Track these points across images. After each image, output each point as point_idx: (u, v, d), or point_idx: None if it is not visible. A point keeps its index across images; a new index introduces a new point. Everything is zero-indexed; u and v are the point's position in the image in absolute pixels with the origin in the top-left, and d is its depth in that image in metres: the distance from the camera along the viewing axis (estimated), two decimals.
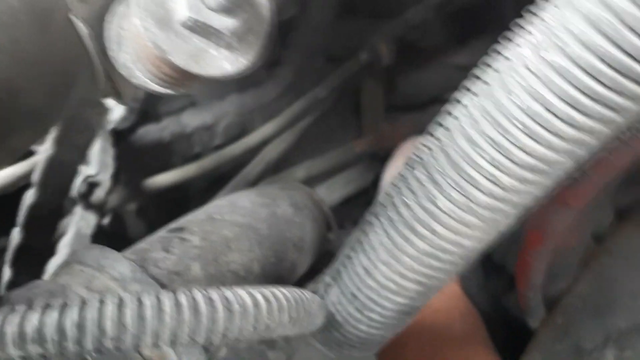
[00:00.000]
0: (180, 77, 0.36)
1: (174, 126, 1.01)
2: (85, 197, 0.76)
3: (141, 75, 0.38)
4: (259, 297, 0.35)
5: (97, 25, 0.39)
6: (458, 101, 0.39)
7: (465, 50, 1.21)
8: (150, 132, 0.99)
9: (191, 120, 1.02)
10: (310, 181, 1.15)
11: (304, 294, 0.40)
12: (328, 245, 0.67)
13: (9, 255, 0.67)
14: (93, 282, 0.39)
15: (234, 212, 0.51)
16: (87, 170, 0.76)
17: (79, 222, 0.77)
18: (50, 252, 0.69)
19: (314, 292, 0.55)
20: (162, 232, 0.48)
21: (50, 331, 0.31)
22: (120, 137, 0.93)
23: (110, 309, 0.31)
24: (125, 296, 0.32)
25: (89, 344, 0.31)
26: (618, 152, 0.55)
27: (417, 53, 1.13)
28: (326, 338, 0.53)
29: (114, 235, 0.92)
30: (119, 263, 0.40)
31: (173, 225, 0.49)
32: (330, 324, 0.51)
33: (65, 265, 0.42)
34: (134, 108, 0.84)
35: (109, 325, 0.31)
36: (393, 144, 1.14)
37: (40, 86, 0.39)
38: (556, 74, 0.34)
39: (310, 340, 0.54)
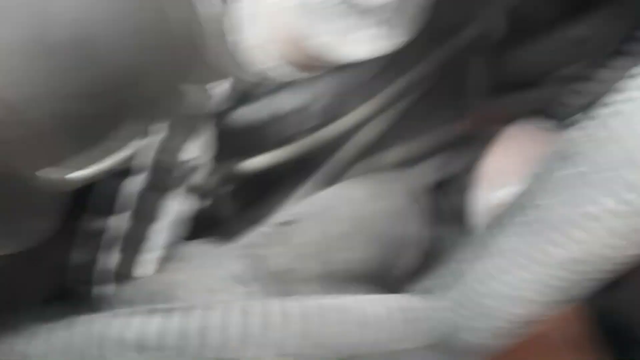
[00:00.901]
0: (318, 60, 0.33)
1: (270, 108, 0.99)
2: (186, 181, 0.76)
3: (270, 59, 0.35)
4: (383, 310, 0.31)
5: (222, 3, 0.36)
6: (621, 91, 0.33)
7: (581, 21, 1.11)
8: (246, 113, 0.98)
9: (287, 101, 0.99)
10: (403, 164, 1.10)
11: (426, 302, 0.36)
12: (431, 240, 0.63)
13: (114, 241, 0.68)
14: (202, 281, 0.37)
15: (345, 205, 0.48)
16: (188, 153, 0.75)
17: (180, 205, 0.77)
18: (152, 238, 0.69)
19: (424, 293, 0.51)
20: (271, 225, 0.46)
21: (172, 338, 0.29)
22: (218, 118, 0.93)
23: (235, 316, 0.28)
24: (250, 303, 0.29)
25: (210, 352, 0.29)
26: None
27: (529, 26, 1.04)
28: (438, 346, 0.50)
29: (210, 219, 0.93)
30: (231, 261, 0.38)
31: (282, 216, 0.47)
32: (445, 331, 0.47)
33: (173, 261, 0.40)
34: (235, 90, 0.83)
35: (234, 334, 0.28)
36: (497, 125, 1.07)
37: (160, 71, 0.37)
38: None
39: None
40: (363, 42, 0.27)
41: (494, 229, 0.42)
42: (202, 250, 0.39)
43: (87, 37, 0.32)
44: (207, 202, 0.90)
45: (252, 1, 0.34)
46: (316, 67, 0.34)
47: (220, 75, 0.42)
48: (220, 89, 0.77)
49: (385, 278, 0.47)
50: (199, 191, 0.83)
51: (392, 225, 0.49)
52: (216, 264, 0.37)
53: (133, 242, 0.70)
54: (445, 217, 0.98)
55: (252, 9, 0.34)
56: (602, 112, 0.36)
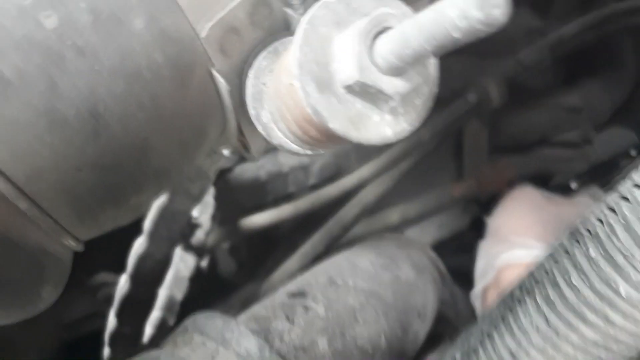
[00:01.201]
0: (327, 140, 0.33)
1: (271, 165, 0.99)
2: (186, 239, 0.75)
3: (281, 135, 0.35)
4: None
5: (237, 79, 0.36)
6: (629, 177, 0.33)
7: (575, 91, 1.13)
8: (247, 170, 0.98)
9: (288, 159, 1.00)
10: (405, 224, 1.10)
11: None
12: (442, 305, 0.62)
13: (115, 304, 0.66)
14: (217, 359, 0.36)
15: (355, 276, 0.47)
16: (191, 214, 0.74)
17: (178, 264, 0.76)
18: (153, 301, 0.68)
19: None
20: (281, 296, 0.45)
21: None
22: (219, 175, 0.92)
23: None
24: None
25: None
26: None
27: (525, 94, 1.06)
28: None
29: (208, 276, 0.91)
30: (244, 337, 0.36)
31: (293, 288, 0.45)
32: None
33: (184, 333, 0.39)
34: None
35: None
36: (493, 188, 1.07)
37: (174, 144, 0.36)
38: None
39: None
40: (373, 128, 0.27)
41: (511, 306, 0.41)
42: (213, 322, 0.37)
43: (97, 111, 0.32)
44: (207, 260, 0.89)
45: (268, 79, 0.35)
46: (325, 146, 0.34)
47: (236, 146, 0.42)
48: (226, 150, 0.77)
49: (395, 353, 0.45)
50: (199, 250, 0.82)
51: (401, 297, 0.48)
52: (229, 339, 0.36)
53: (131, 305, 0.68)
54: (449, 277, 0.97)
55: (266, 87, 0.34)
56: (612, 196, 0.36)
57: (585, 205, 0.88)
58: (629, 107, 1.14)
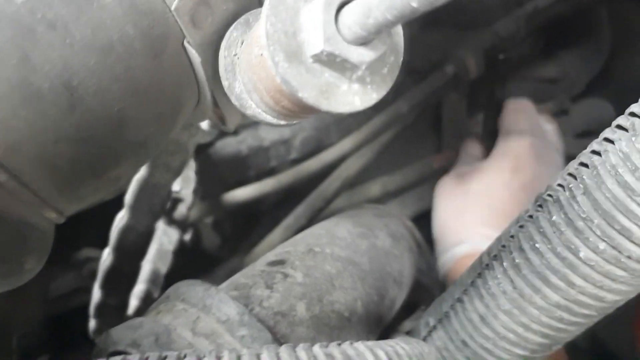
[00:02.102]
0: (299, 110, 0.33)
1: (252, 139, 0.99)
2: (168, 213, 0.76)
3: (255, 106, 0.36)
4: (382, 356, 0.31)
5: (210, 51, 0.37)
6: (607, 140, 0.34)
7: (552, 63, 1.15)
8: (228, 145, 0.98)
9: (269, 133, 1.00)
10: (386, 196, 1.11)
11: (423, 347, 0.37)
12: (418, 273, 0.63)
13: (99, 277, 0.67)
14: (198, 324, 0.37)
15: (333, 244, 0.48)
16: (171, 187, 0.75)
17: (162, 238, 0.77)
18: (136, 273, 0.69)
19: (412, 330, 0.51)
20: (261, 265, 0.46)
21: None
22: (200, 150, 0.93)
23: None
24: (243, 353, 0.29)
25: None
26: None
27: (502, 66, 1.07)
28: None
29: (192, 250, 0.92)
30: (224, 303, 0.37)
31: (272, 257, 0.47)
32: None
33: (167, 301, 0.40)
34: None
35: None
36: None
37: (149, 116, 0.37)
38: None
39: None
40: (342, 98, 0.28)
41: (480, 271, 0.43)
42: (194, 290, 0.38)
43: (71, 84, 0.32)
44: (191, 234, 0.90)
45: (239, 50, 0.35)
46: (297, 116, 0.35)
47: (208, 117, 0.42)
48: (204, 123, 0.78)
49: (372, 318, 0.47)
50: (182, 224, 0.82)
51: (377, 264, 0.49)
52: (209, 305, 0.37)
53: (115, 277, 0.69)
54: (427, 247, 0.99)
55: (238, 58, 0.35)
56: (573, 162, 0.37)
57: (504, 156, 0.89)
58: (605, 77, 1.16)
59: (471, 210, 0.83)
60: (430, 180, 1.15)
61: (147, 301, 0.71)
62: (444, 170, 1.13)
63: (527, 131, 0.92)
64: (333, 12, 0.27)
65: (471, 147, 1.03)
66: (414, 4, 0.22)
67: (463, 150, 1.04)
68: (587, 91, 1.16)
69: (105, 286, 0.67)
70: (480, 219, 0.81)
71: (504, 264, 0.40)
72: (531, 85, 1.15)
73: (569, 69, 1.12)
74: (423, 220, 1.15)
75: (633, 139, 0.33)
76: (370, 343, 0.31)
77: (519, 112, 0.98)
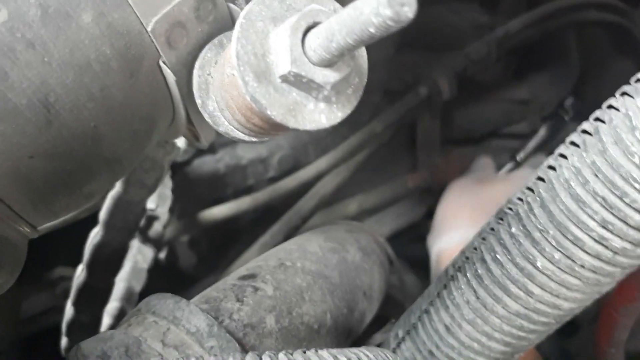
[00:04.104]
0: (270, 128, 0.35)
1: (229, 158, 1.01)
2: (143, 231, 0.76)
3: (227, 123, 0.37)
4: None
5: (184, 71, 0.38)
6: (562, 155, 0.37)
7: (523, 85, 1.19)
8: (205, 163, 0.99)
9: (246, 152, 1.02)
10: (362, 214, 1.13)
11: (388, 356, 0.38)
12: (390, 289, 0.65)
13: (72, 294, 0.67)
14: (168, 336, 0.38)
15: (304, 258, 0.50)
16: (146, 204, 0.75)
17: (136, 256, 0.77)
18: (110, 290, 0.69)
19: (383, 343, 0.52)
20: (232, 279, 0.47)
21: None
22: (177, 168, 0.93)
23: None
24: None
25: None
26: None
27: (475, 87, 1.11)
28: None
29: (168, 268, 0.92)
30: (194, 316, 0.38)
31: (244, 271, 0.48)
32: None
33: (138, 314, 0.41)
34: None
35: None
36: (447, 179, 1.12)
37: (124, 133, 0.38)
38: None
39: None
40: (309, 116, 0.29)
41: (445, 282, 0.45)
42: (165, 302, 0.39)
43: (48, 101, 0.33)
44: (165, 253, 0.90)
45: (213, 70, 0.37)
46: (268, 133, 0.36)
47: (186, 135, 0.44)
48: (180, 140, 0.79)
49: (341, 331, 0.48)
50: (157, 242, 0.83)
51: (347, 277, 0.51)
52: (179, 317, 0.38)
53: (88, 294, 0.69)
54: (404, 265, 1.01)
55: (212, 78, 0.36)
56: (532, 176, 0.39)
57: (523, 178, 0.95)
58: (574, 99, 1.20)
59: (480, 201, 0.89)
60: (405, 199, 1.18)
61: (120, 319, 0.71)
62: (418, 190, 1.16)
63: None
64: (299, 36, 0.29)
65: (485, 161, 1.08)
66: (372, 30, 0.24)
67: (477, 162, 1.09)
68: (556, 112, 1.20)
69: (78, 303, 0.67)
70: (486, 212, 0.86)
71: (467, 274, 0.42)
72: (504, 106, 1.19)
73: (540, 91, 1.16)
74: (400, 237, 1.18)
75: (584, 154, 0.35)
76: (334, 350, 0.32)
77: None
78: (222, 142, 1.02)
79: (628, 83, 0.35)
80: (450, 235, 0.86)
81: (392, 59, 1.00)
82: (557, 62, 1.21)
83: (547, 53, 1.20)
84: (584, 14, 1.09)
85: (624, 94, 0.34)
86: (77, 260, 0.72)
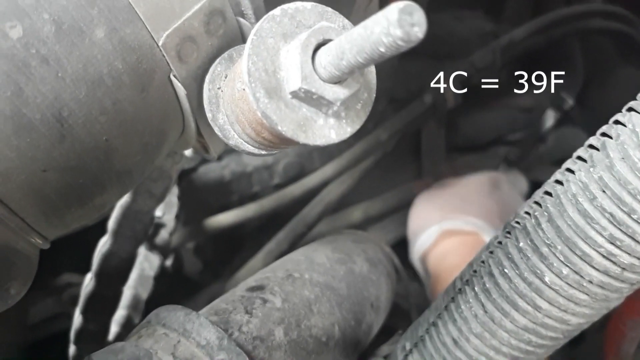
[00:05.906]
0: (279, 142, 0.35)
1: (235, 165, 1.01)
2: (150, 239, 0.76)
3: (237, 136, 0.37)
4: None
5: (194, 84, 0.38)
6: (569, 170, 0.37)
7: (528, 92, 1.19)
8: (211, 170, 0.99)
9: (252, 159, 1.02)
10: (367, 221, 1.13)
11: None
12: (396, 297, 0.65)
13: (80, 302, 0.67)
14: (179, 349, 0.38)
15: (312, 270, 0.50)
16: (154, 213, 0.76)
17: (143, 264, 0.77)
18: (118, 298, 0.69)
19: (390, 355, 0.52)
20: (240, 290, 0.47)
21: None
22: (183, 175, 0.94)
23: None
24: None
25: None
26: None
27: (480, 95, 1.11)
28: None
29: (174, 275, 0.92)
30: (204, 328, 0.38)
31: (252, 282, 0.48)
32: None
33: (148, 326, 0.41)
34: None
35: None
36: None
37: (135, 146, 0.38)
38: None
39: None
40: (319, 131, 0.30)
41: (453, 296, 0.45)
42: (175, 315, 0.39)
43: (61, 116, 0.34)
44: (172, 260, 0.90)
45: (223, 84, 0.37)
46: (277, 147, 0.37)
47: (192, 146, 0.44)
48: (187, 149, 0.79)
49: (349, 343, 0.48)
50: (163, 249, 0.83)
51: (355, 289, 0.51)
52: (190, 330, 0.38)
53: (97, 303, 0.69)
54: (408, 273, 1.01)
55: (222, 92, 0.36)
56: (539, 191, 0.39)
57: (479, 180, 1.03)
58: (579, 107, 1.20)
59: (446, 200, 0.96)
60: (410, 206, 1.18)
61: (128, 327, 0.72)
62: None
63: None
64: (310, 53, 0.29)
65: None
66: (382, 49, 0.24)
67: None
68: (561, 120, 1.20)
69: (86, 312, 0.67)
70: (453, 206, 0.93)
71: (475, 288, 0.42)
72: (508, 114, 1.19)
73: (544, 98, 1.17)
74: (405, 245, 1.18)
75: (591, 169, 0.35)
76: None
77: None
78: (227, 149, 1.02)
79: (633, 92, 0.35)
80: (427, 233, 0.92)
81: (397, 67, 1.00)
82: (562, 70, 1.21)
83: (551, 61, 1.20)
84: (588, 21, 1.09)
85: (630, 109, 0.34)
86: (84, 267, 0.72)
